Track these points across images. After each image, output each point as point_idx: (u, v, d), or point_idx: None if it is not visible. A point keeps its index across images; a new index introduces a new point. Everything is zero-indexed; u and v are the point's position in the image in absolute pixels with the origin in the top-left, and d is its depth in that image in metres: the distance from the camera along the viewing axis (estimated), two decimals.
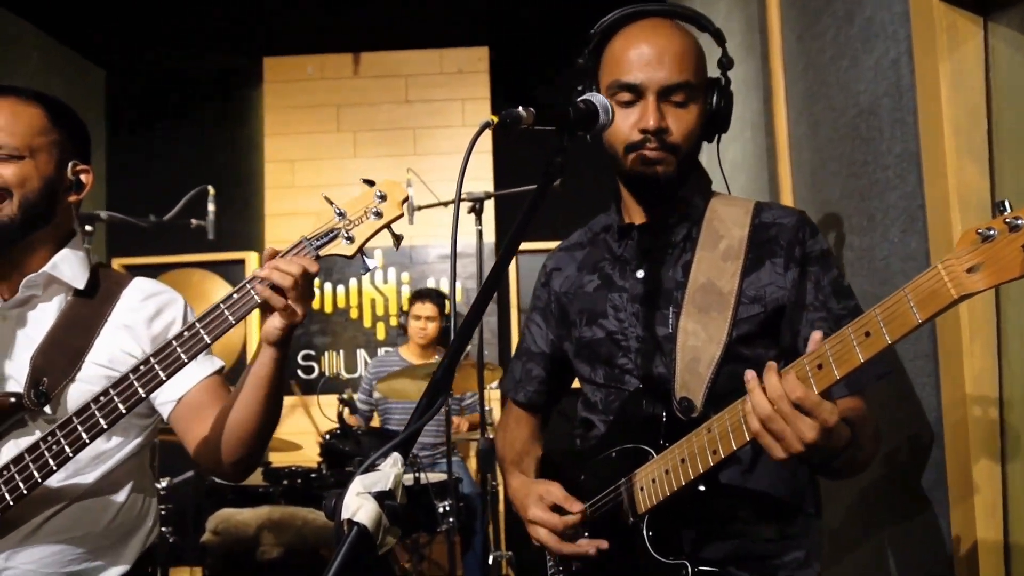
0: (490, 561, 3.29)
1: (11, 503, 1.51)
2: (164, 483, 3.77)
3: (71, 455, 1.50)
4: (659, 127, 1.47)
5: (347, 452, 3.86)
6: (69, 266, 1.69)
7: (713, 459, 1.31)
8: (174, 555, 3.98)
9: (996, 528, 1.51)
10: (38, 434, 1.53)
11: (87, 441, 1.50)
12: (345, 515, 0.93)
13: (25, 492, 1.51)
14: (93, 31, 5.21)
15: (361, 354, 5.58)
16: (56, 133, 1.66)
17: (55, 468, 1.50)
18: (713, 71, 1.58)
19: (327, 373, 5.54)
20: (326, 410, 4.82)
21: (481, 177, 5.31)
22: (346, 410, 4.06)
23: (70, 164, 1.68)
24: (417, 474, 3.60)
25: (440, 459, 4.38)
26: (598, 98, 1.32)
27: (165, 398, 1.68)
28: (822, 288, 1.48)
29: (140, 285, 1.76)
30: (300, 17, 5.22)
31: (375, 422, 4.88)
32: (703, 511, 1.43)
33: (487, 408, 3.80)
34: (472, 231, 3.51)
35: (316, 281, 1.48)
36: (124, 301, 1.72)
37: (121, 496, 1.68)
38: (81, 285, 1.69)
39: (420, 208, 3.56)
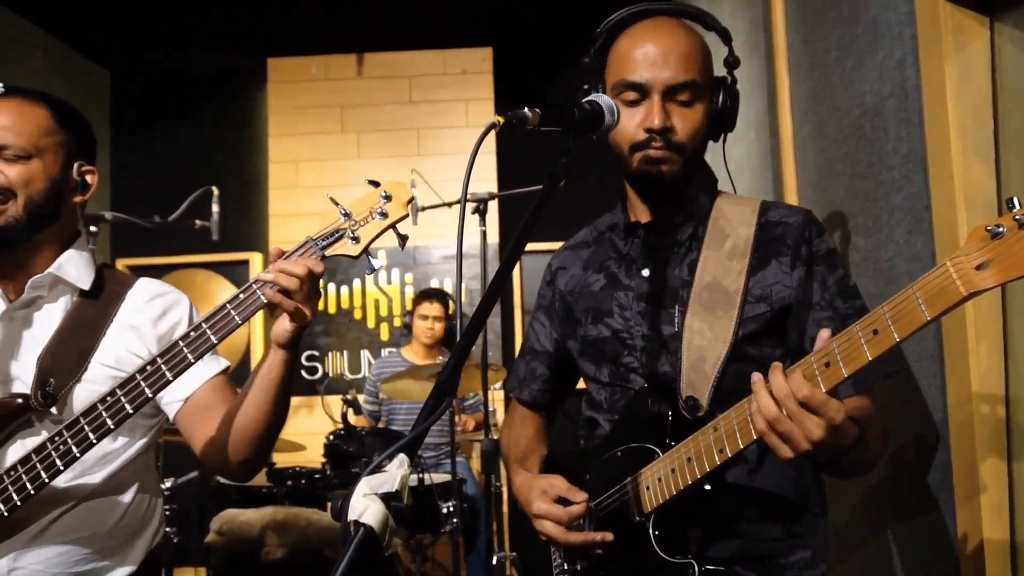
0: (494, 562, 3.29)
1: (19, 503, 1.51)
2: (168, 484, 3.78)
3: (78, 455, 1.50)
4: (664, 126, 1.47)
5: (351, 453, 3.87)
6: (74, 267, 1.69)
7: (720, 458, 1.30)
8: (178, 555, 3.98)
9: (1002, 528, 1.50)
10: (45, 435, 1.53)
11: (94, 441, 1.50)
12: (352, 516, 0.93)
13: (32, 492, 1.51)
14: (98, 32, 5.22)
15: (365, 355, 5.58)
16: (62, 134, 1.66)
17: (62, 468, 1.50)
18: (719, 70, 1.58)
19: (331, 374, 5.55)
20: (330, 411, 4.82)
21: (485, 178, 5.31)
22: (350, 411, 4.06)
23: (75, 165, 1.68)
24: (421, 475, 3.60)
25: (444, 460, 4.37)
26: (603, 99, 1.32)
27: (172, 398, 1.69)
28: (828, 288, 1.48)
29: (145, 285, 1.76)
30: (304, 18, 5.22)
31: (382, 423, 4.88)
32: (709, 510, 1.43)
33: (491, 409, 3.80)
34: (476, 232, 3.51)
35: (320, 282, 1.49)
36: (129, 302, 1.72)
37: (127, 496, 1.68)
38: (87, 286, 1.69)
39: (424, 209, 3.56)
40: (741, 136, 2.89)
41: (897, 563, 1.84)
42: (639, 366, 1.56)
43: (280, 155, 5.67)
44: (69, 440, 1.49)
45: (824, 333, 1.18)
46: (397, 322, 5.56)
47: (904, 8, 1.72)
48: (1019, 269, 0.97)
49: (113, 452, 1.65)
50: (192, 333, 1.49)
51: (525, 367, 1.84)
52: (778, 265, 1.50)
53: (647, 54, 1.49)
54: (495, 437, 3.45)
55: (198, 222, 3.60)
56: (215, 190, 3.62)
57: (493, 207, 5.00)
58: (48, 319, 1.67)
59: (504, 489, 3.92)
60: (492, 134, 1.18)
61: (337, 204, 1.53)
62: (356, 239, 1.52)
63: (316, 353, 5.57)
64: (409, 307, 5.05)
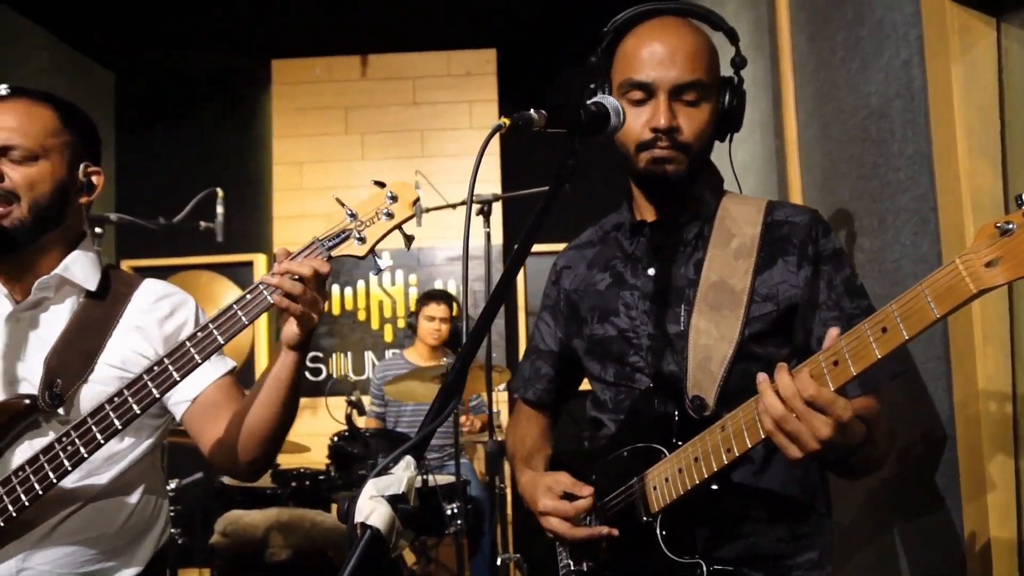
0: (498, 563, 3.29)
1: (27, 504, 1.51)
2: (173, 485, 3.78)
3: (86, 456, 1.50)
4: (670, 126, 1.47)
5: (355, 454, 3.86)
6: (81, 268, 1.69)
7: (727, 457, 1.30)
8: (183, 557, 3.99)
9: (1010, 526, 1.50)
10: (52, 435, 1.54)
11: (102, 442, 1.50)
12: (358, 518, 0.93)
13: (40, 493, 1.51)
14: (102, 33, 5.23)
15: (369, 356, 5.59)
16: (68, 134, 1.67)
17: (70, 469, 1.51)
18: (726, 70, 1.58)
19: (335, 375, 5.55)
20: (334, 412, 4.82)
21: (489, 179, 5.31)
22: (354, 412, 4.06)
23: (82, 166, 1.69)
24: (425, 476, 3.59)
25: (448, 461, 4.37)
26: (609, 100, 1.32)
27: (179, 398, 1.69)
28: (835, 287, 1.48)
29: (151, 286, 1.76)
30: (308, 19, 5.23)
31: (390, 424, 4.88)
32: (716, 510, 1.43)
33: (495, 411, 3.80)
34: (480, 233, 3.51)
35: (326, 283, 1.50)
36: (135, 303, 1.72)
37: (134, 497, 1.69)
38: (93, 287, 1.69)
39: (428, 210, 3.56)
40: (746, 138, 2.89)
41: (903, 562, 1.84)
42: (645, 366, 1.56)
43: (284, 156, 5.68)
44: (77, 440, 1.50)
45: (833, 331, 1.18)
46: (401, 323, 5.57)
47: (910, 9, 1.72)
48: None
49: (120, 452, 1.66)
50: (199, 333, 1.50)
51: (530, 367, 1.84)
52: (784, 264, 1.50)
53: (653, 53, 1.49)
54: (499, 439, 3.46)
55: (202, 223, 3.60)
56: (219, 191, 3.62)
57: (497, 208, 5.02)
58: (55, 320, 1.67)
59: (508, 491, 3.92)
60: (495, 135, 1.18)
61: (343, 205, 1.53)
62: (362, 239, 1.52)
63: (320, 355, 5.58)
64: (413, 308, 5.05)
